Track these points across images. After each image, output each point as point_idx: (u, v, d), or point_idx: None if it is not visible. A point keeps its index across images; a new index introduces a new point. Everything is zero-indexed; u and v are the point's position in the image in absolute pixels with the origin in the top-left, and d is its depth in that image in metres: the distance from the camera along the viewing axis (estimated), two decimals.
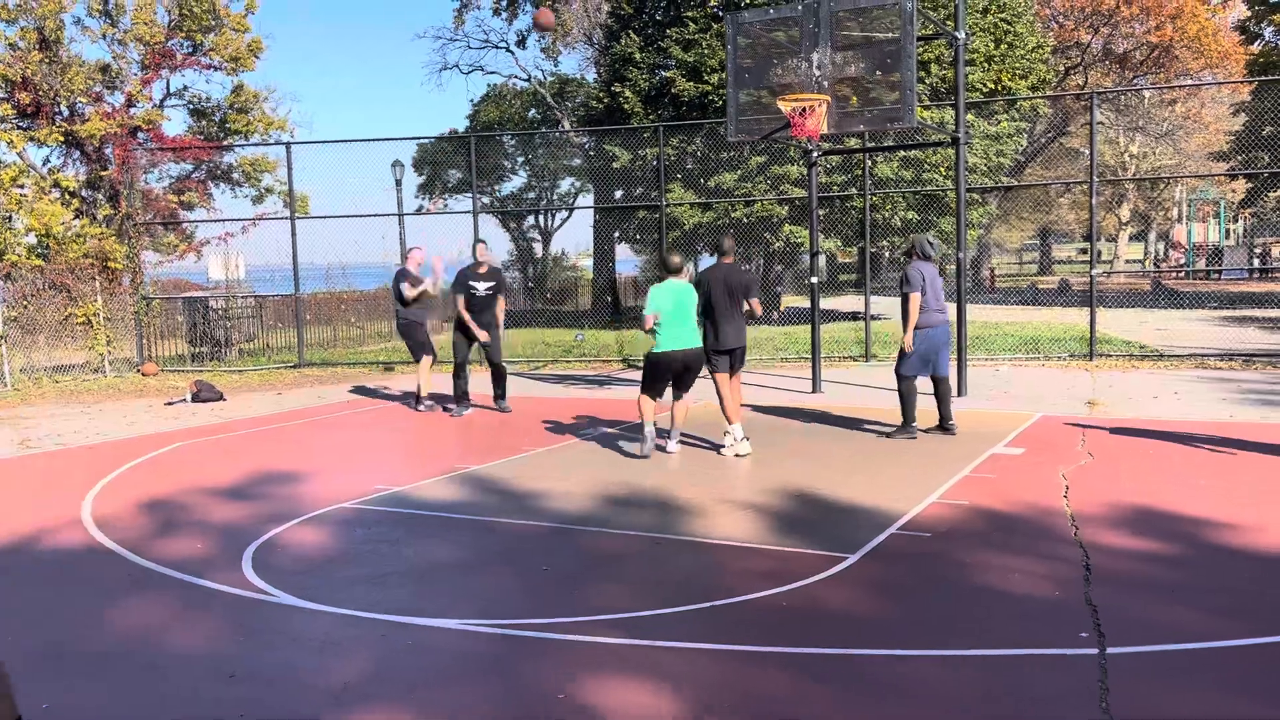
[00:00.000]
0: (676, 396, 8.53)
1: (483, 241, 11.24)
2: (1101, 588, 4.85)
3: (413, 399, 11.90)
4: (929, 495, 6.74)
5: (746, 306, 8.51)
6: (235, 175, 24.46)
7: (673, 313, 8.12)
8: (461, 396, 11.16)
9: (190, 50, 23.07)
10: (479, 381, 12.06)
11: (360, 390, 13.83)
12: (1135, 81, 35.97)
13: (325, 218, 18.17)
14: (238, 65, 23.25)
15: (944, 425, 8.92)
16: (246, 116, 24.49)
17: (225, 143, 22.74)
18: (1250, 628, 4.29)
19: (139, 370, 16.44)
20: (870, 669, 4.07)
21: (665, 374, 8.28)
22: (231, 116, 24.41)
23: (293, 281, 16.95)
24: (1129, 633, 4.28)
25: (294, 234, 16.57)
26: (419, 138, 45.49)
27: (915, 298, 8.54)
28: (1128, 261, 52.27)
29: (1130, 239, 54.58)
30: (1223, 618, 4.42)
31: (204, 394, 13.03)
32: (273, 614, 4.92)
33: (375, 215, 18.13)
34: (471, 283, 10.97)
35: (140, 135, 21.32)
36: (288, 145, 17.46)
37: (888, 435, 8.87)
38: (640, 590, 5.10)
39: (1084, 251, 62.41)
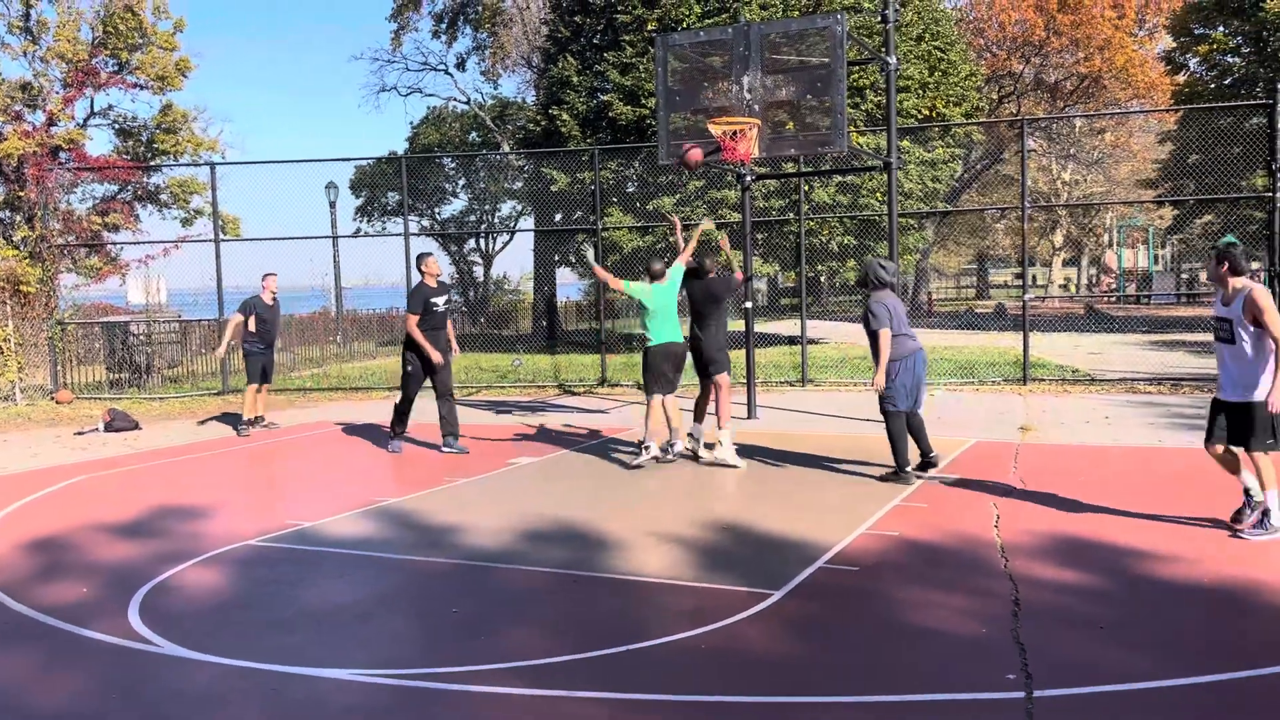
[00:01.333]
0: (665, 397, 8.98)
1: (430, 254, 10.29)
2: (1030, 624, 4.68)
3: (242, 424, 12.02)
4: (859, 526, 6.56)
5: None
6: (163, 197, 23.82)
7: (661, 310, 8.84)
8: (404, 430, 10.38)
9: (115, 69, 22.46)
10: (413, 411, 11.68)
11: (285, 418, 13.37)
12: (1066, 111, 36.74)
13: (253, 240, 17.71)
14: (165, 84, 22.67)
15: (926, 458, 8.20)
16: (175, 137, 23.88)
17: (149, 163, 22.12)
18: (1183, 667, 4.14)
19: (52, 398, 15.77)
20: (788, 719, 3.84)
21: (663, 364, 8.87)
22: (159, 136, 23.79)
23: (218, 305, 16.43)
24: (1058, 673, 4.10)
25: (218, 257, 16.07)
26: (351, 159, 44.95)
27: (885, 334, 7.93)
28: (1060, 286, 53.33)
29: (1064, 264, 55.68)
30: (1155, 656, 4.27)
31: (118, 423, 12.48)
32: (154, 666, 4.56)
33: (305, 238, 17.73)
34: (431, 298, 9.90)
35: (62, 155, 20.64)
36: (212, 166, 16.97)
37: (880, 479, 8.10)
38: (552, 633, 4.83)
39: (1019, 276, 63.68)
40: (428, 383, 10.09)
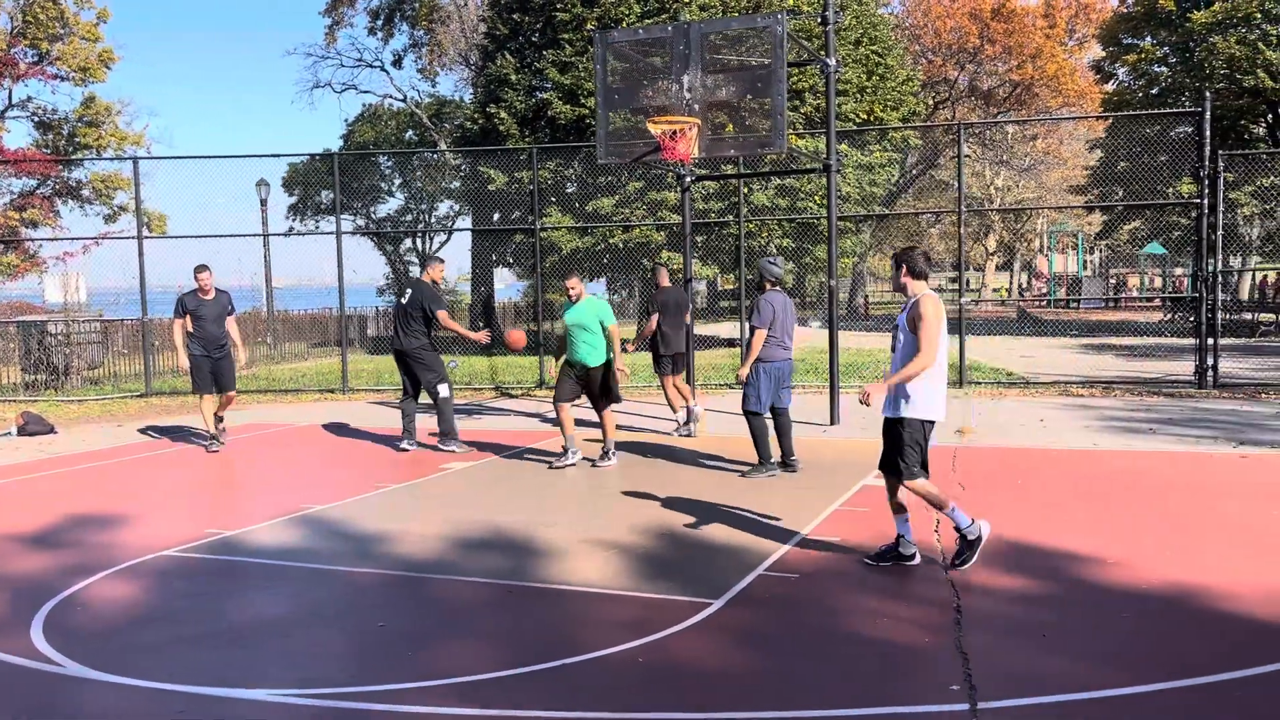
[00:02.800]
0: (598, 410, 9.04)
1: (441, 260, 10.73)
2: (973, 633, 4.61)
3: (207, 439, 10.60)
4: (799, 531, 6.46)
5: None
6: (85, 192, 23.08)
7: (570, 329, 8.94)
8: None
9: (35, 59, 21.71)
10: (377, 415, 11.38)
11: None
12: (999, 117, 37.36)
13: (178, 237, 17.16)
14: (87, 76, 22.00)
15: (786, 461, 8.43)
16: (98, 130, 23.18)
17: (70, 157, 21.39)
18: (1129, 676, 4.08)
19: None
20: None
21: (566, 377, 9.03)
22: (81, 130, 23.06)
23: (140, 305, 15.88)
24: (1002, 684, 4.02)
25: (141, 254, 15.53)
26: (280, 155, 44.11)
27: (761, 334, 8.05)
28: (994, 290, 54.26)
29: (997, 269, 56.69)
30: (1099, 665, 4.22)
31: (31, 426, 11.95)
32: (56, 689, 4.27)
33: (234, 235, 17.24)
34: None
35: None
36: (135, 160, 16.40)
37: (743, 474, 8.42)
38: (485, 648, 4.63)
39: (954, 280, 64.69)
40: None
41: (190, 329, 10.40)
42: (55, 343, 16.52)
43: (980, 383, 14.17)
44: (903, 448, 5.53)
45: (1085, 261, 45.55)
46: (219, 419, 10.74)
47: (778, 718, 3.81)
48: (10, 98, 22.05)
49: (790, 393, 8.57)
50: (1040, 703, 3.86)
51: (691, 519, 6.91)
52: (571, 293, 8.95)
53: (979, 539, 5.59)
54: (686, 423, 10.70)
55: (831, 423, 11.04)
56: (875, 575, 5.58)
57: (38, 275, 20.04)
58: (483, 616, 5.11)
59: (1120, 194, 25.83)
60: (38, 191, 21.95)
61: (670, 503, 7.45)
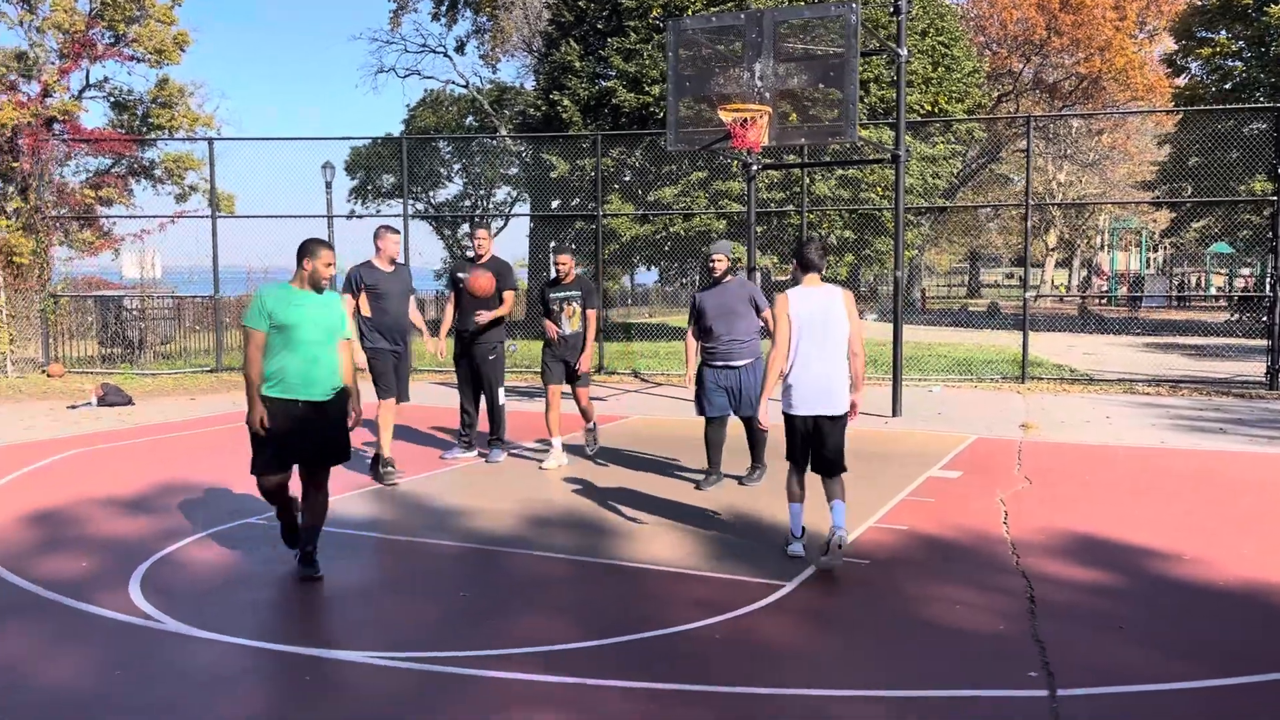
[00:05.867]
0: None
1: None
2: (1048, 622, 4.64)
3: (383, 466, 7.89)
4: (867, 519, 6.51)
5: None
6: (158, 172, 23.59)
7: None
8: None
9: (112, 41, 22.20)
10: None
11: None
12: (1063, 110, 36.74)
13: (248, 217, 17.51)
14: (162, 58, 22.43)
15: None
16: (171, 111, 23.65)
17: (145, 136, 21.89)
18: (1206, 669, 4.09)
19: (44, 371, 15.60)
20: (803, 711, 3.78)
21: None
22: (155, 111, 23.55)
23: (213, 283, 16.28)
24: (1080, 672, 4.06)
25: (214, 233, 15.91)
26: (349, 138, 44.71)
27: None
28: (1055, 286, 53.43)
29: (1056, 265, 55.78)
30: (1176, 658, 4.23)
31: (110, 398, 12.35)
32: (158, 643, 4.47)
33: (301, 216, 17.45)
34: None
35: (56, 126, 20.40)
36: (210, 141, 16.79)
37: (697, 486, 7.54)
38: (564, 620, 4.76)
39: (1011, 276, 63.68)
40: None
41: (368, 312, 7.83)
42: (130, 318, 17.00)
43: (1042, 378, 14.04)
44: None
45: (1148, 259, 44.67)
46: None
47: (855, 695, 3.89)
48: (88, 78, 22.59)
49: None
50: (1120, 692, 3.89)
51: (758, 504, 6.99)
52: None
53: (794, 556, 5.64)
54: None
55: (894, 414, 11.03)
56: (945, 563, 5.62)
57: (113, 252, 20.56)
58: (560, 590, 5.24)
59: (1189, 190, 25.30)
60: (113, 170, 22.49)
61: (739, 488, 7.52)
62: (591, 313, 8.34)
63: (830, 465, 5.53)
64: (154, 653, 4.39)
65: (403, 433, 9.93)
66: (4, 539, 6.16)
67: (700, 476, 7.69)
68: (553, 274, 8.55)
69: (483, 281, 8.17)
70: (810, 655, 4.34)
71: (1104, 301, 38.00)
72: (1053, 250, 52.58)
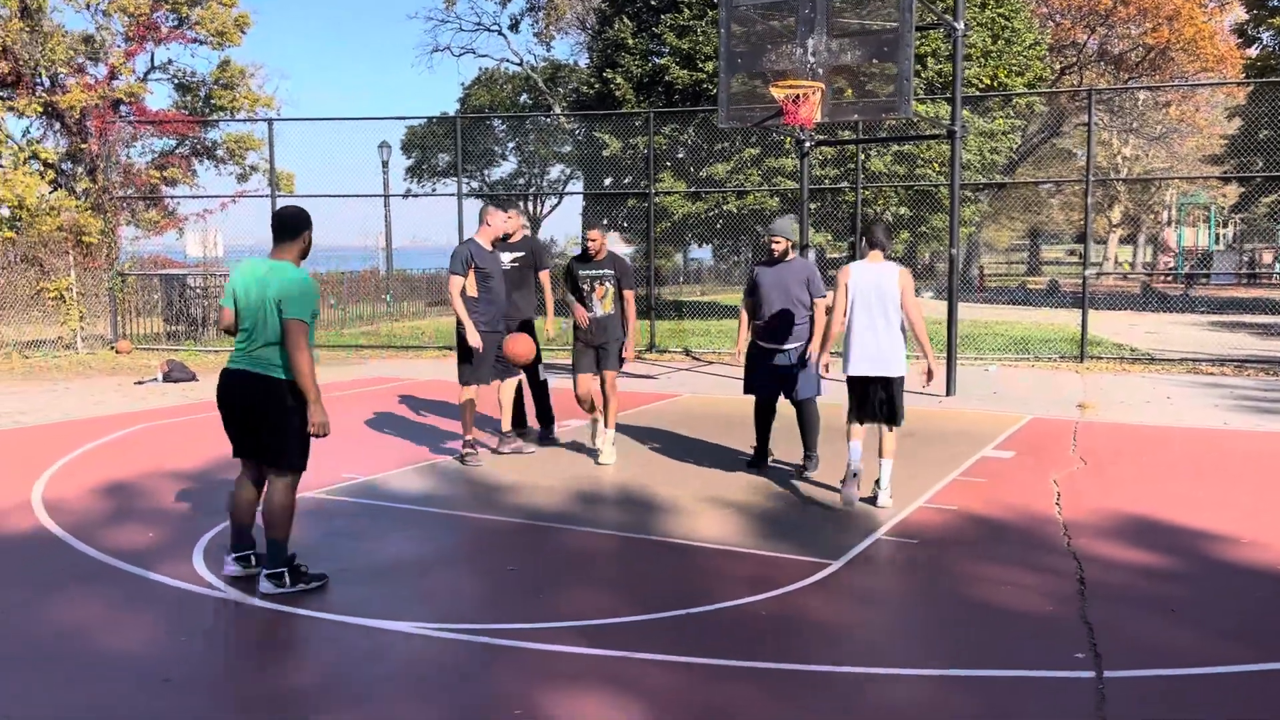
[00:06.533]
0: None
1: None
2: (1097, 604, 4.60)
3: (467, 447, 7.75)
4: (917, 498, 6.49)
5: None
6: (220, 152, 24.04)
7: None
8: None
9: (175, 23, 22.62)
10: None
11: (339, 374, 13.51)
12: (1129, 83, 35.78)
13: (306, 196, 17.79)
14: (223, 40, 22.82)
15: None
16: (232, 92, 24.07)
17: (206, 117, 22.31)
18: (1257, 653, 4.04)
19: (112, 348, 16.07)
20: (849, 688, 3.81)
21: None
22: (216, 92, 23.99)
23: None
24: (1128, 654, 4.03)
25: (273, 212, 16.20)
26: (404, 118, 45.06)
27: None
28: (1117, 264, 52.26)
29: (1120, 242, 54.51)
30: (1227, 641, 4.18)
31: (175, 374, 12.68)
32: (220, 610, 4.63)
33: (358, 195, 17.82)
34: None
35: (122, 108, 20.89)
36: (269, 122, 17.09)
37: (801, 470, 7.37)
38: (611, 594, 4.83)
39: (1072, 253, 62.32)
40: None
41: (473, 290, 7.53)
42: (194, 295, 17.42)
43: (1102, 357, 13.79)
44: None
45: (1217, 235, 43.45)
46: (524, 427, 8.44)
47: (897, 674, 3.90)
48: (153, 60, 23.07)
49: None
50: (1168, 674, 3.85)
51: (808, 483, 6.99)
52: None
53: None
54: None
55: (948, 393, 10.93)
56: (995, 544, 5.58)
57: (177, 231, 21.05)
58: (606, 566, 5.31)
59: (1260, 164, 24.55)
60: (177, 151, 22.98)
61: (785, 466, 7.53)
62: (629, 293, 7.61)
63: (884, 418, 6.34)
64: (215, 620, 4.54)
65: (402, 415, 10.08)
66: (75, 510, 6.39)
67: (749, 456, 7.64)
68: (579, 250, 7.83)
69: (520, 348, 7.52)
70: (853, 633, 4.36)
71: (1169, 279, 37.07)
72: (1116, 226, 51.35)
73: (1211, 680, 3.82)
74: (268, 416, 4.81)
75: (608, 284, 7.57)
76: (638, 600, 4.71)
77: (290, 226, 4.86)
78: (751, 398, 7.46)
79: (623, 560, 5.38)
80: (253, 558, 5.00)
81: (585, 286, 7.60)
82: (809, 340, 7.07)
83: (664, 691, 3.76)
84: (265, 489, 4.92)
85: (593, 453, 7.92)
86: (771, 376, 7.18)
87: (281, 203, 16.49)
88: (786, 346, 7.11)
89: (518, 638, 4.27)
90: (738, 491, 6.75)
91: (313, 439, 4.86)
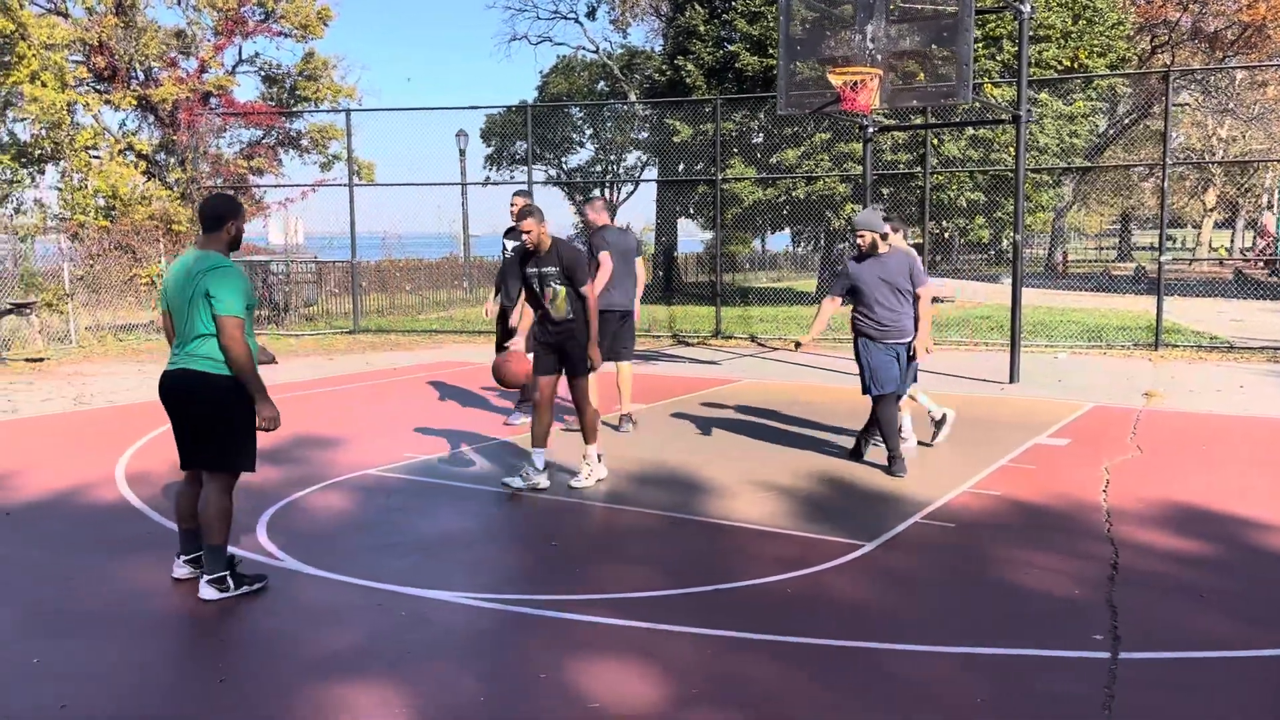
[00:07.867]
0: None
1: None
2: (1126, 589, 4.62)
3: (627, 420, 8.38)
4: (961, 484, 6.52)
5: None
6: (303, 142, 24.77)
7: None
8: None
9: (262, 17, 23.35)
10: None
11: (411, 358, 13.93)
12: (1225, 62, 34.48)
13: (384, 185, 18.32)
14: (307, 32, 23.49)
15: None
16: (315, 84, 24.76)
17: (292, 109, 23.02)
18: (1277, 637, 4.03)
19: None
20: (866, 663, 3.92)
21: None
22: (301, 84, 24.71)
23: (350, 248, 17.13)
24: (1148, 637, 4.06)
25: (352, 201, 16.73)
26: (480, 107, 45.74)
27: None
28: (1213, 249, 50.42)
29: (1216, 226, 52.55)
30: (1252, 626, 4.17)
31: (258, 356, 13.21)
32: (277, 579, 4.92)
33: (434, 184, 18.24)
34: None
35: (212, 100, 21.70)
36: (347, 112, 17.60)
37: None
38: (645, 571, 5.00)
39: (1169, 238, 60.22)
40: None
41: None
42: (277, 281, 18.06)
43: (1178, 345, 13.47)
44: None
45: None
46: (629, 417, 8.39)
47: (915, 650, 4.00)
48: (240, 53, 23.87)
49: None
50: (1184, 657, 3.88)
51: (854, 467, 7.07)
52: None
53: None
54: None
55: (1010, 380, 10.84)
56: (1032, 529, 5.61)
57: (262, 219, 21.82)
58: (644, 543, 5.48)
59: None
60: (263, 141, 23.76)
61: (834, 451, 7.61)
62: (586, 288, 6.26)
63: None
64: (273, 587, 4.84)
65: (468, 398, 10.36)
66: (154, 483, 6.81)
67: (806, 440, 7.73)
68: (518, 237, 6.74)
69: (519, 368, 6.30)
70: (877, 611, 4.46)
71: (1262, 266, 35.65)
72: (1211, 210, 49.53)
73: (1223, 663, 3.84)
74: (207, 414, 4.61)
75: (553, 284, 6.24)
76: (669, 576, 4.88)
77: (213, 216, 4.61)
78: (859, 395, 7.17)
79: (661, 538, 5.55)
80: (203, 560, 4.81)
81: (535, 286, 6.35)
82: (915, 334, 6.94)
83: (684, 660, 3.92)
84: (202, 493, 4.69)
85: (647, 437, 8.10)
86: (896, 369, 6.89)
87: (358, 191, 16.99)
88: (907, 340, 6.93)
89: (553, 608, 4.47)
90: (781, 474, 6.86)
91: (260, 434, 4.71)
